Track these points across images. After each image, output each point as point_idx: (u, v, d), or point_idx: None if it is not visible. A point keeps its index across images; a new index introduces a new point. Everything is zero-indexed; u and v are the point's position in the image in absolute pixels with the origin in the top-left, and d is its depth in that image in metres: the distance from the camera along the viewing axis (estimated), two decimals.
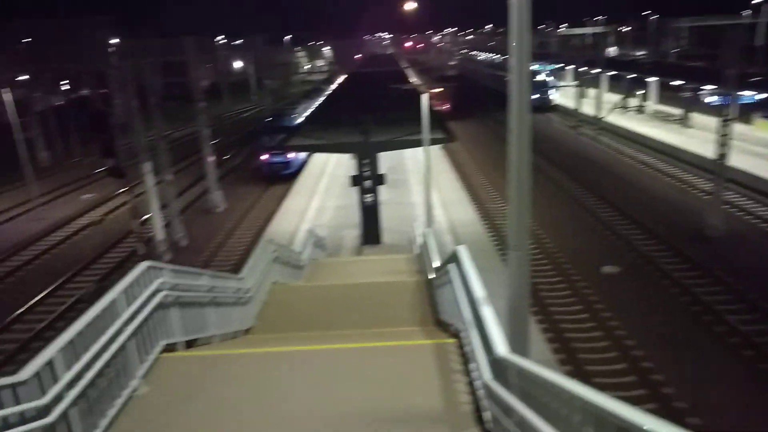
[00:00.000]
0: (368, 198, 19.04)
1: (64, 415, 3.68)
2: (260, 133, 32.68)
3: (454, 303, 5.34)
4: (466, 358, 4.99)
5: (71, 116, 41.33)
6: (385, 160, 22.46)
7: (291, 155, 31.47)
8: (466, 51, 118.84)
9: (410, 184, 27.21)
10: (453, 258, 5.21)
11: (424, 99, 14.90)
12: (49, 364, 3.74)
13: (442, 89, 48.10)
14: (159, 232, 20.60)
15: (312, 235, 17.50)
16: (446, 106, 48.54)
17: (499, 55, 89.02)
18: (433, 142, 21.90)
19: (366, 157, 18.69)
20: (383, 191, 20.16)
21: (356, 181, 19.09)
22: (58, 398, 3.64)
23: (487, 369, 3.44)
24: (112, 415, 4.37)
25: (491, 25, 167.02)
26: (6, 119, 31.55)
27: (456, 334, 5.71)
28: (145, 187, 20.63)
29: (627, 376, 12.25)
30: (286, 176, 31.59)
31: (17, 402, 3.39)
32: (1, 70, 31.86)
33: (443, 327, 7.49)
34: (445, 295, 6.42)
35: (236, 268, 19.74)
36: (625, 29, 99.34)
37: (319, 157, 34.49)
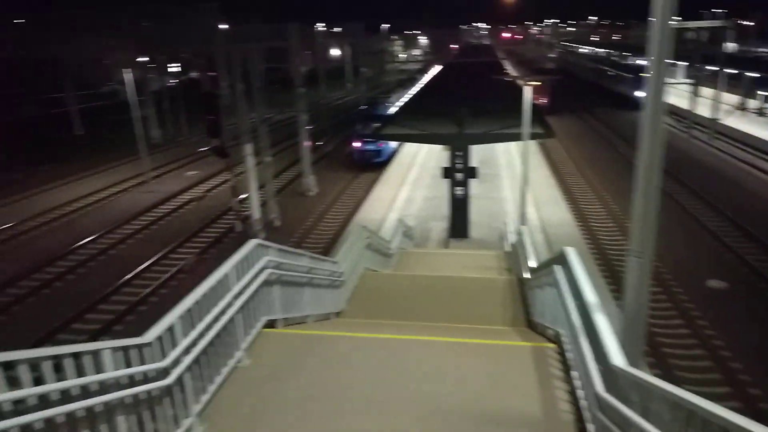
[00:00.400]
0: (459, 191, 18.81)
1: (179, 379, 3.91)
2: (354, 121, 33.17)
3: (559, 306, 5.14)
4: (567, 366, 4.80)
5: (180, 97, 44.05)
6: (477, 153, 22.08)
7: (383, 144, 31.76)
8: (566, 43, 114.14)
9: (501, 179, 26.63)
10: (560, 259, 5.00)
11: (527, 92, 14.43)
12: (170, 329, 3.98)
13: (540, 82, 46.56)
14: (255, 212, 21.52)
15: (402, 225, 17.58)
16: (544, 100, 46.93)
17: (602, 49, 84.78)
18: (532, 137, 21.32)
19: (459, 149, 18.45)
20: (473, 184, 19.86)
21: (448, 173, 18.91)
22: (176, 362, 3.87)
23: (598, 380, 3.27)
24: (219, 382, 4.61)
25: (595, 18, 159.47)
26: (125, 97, 34.38)
27: (555, 339, 5.51)
28: (245, 168, 21.60)
29: (730, 401, 11.34)
30: (376, 164, 31.95)
31: (142, 362, 3.63)
32: (124, 52, 34.43)
33: (537, 329, 7.26)
34: (543, 296, 6.21)
35: (325, 251, 20.27)
36: (747, 23, 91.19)
37: (409, 147, 34.54)
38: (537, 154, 32.77)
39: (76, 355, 3.18)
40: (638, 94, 48.53)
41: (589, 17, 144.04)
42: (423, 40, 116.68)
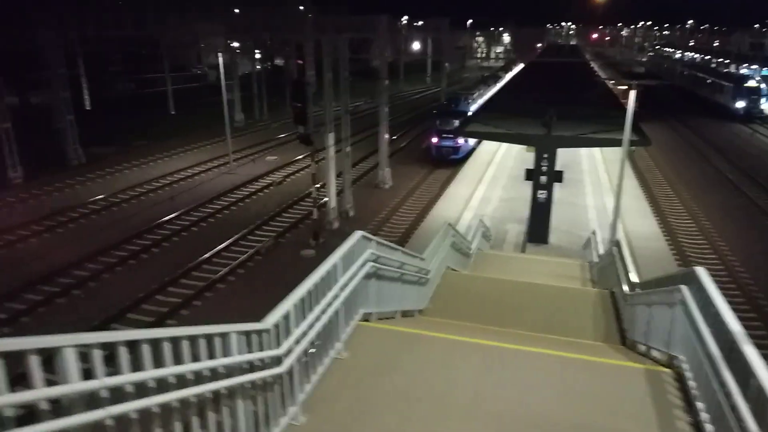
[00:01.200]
0: (542, 194, 18.19)
1: (289, 368, 3.88)
2: (435, 116, 32.87)
3: (680, 330, 4.74)
4: (687, 395, 4.41)
5: (263, 83, 45.28)
6: (560, 156, 21.29)
7: (461, 140, 31.31)
8: (659, 47, 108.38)
9: (584, 185, 25.58)
10: (687, 278, 4.61)
11: (632, 96, 13.67)
12: (286, 317, 3.94)
13: (630, 86, 44.39)
14: (332, 200, 21.74)
15: (482, 225, 17.21)
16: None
17: (699, 55, 79.87)
18: (617, 143, 20.29)
19: (545, 151, 17.82)
20: (555, 189, 19.15)
21: (531, 175, 18.33)
22: (288, 351, 3.84)
23: (749, 417, 2.93)
24: (320, 373, 4.57)
25: (691, 21, 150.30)
26: (212, 80, 35.58)
27: (667, 364, 5.10)
28: (325, 156, 21.83)
29: None
30: (453, 161, 31.56)
31: (260, 348, 3.61)
32: (217, 37, 35.75)
33: (635, 349, 6.81)
34: (652, 316, 5.78)
35: (398, 245, 20.24)
36: None
37: (487, 146, 33.86)
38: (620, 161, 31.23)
39: (207, 337, 3.17)
40: (738, 105, 45.34)
41: (687, 21, 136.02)
42: (506, 38, 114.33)
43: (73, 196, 24.92)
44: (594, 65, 64.90)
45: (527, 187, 25.32)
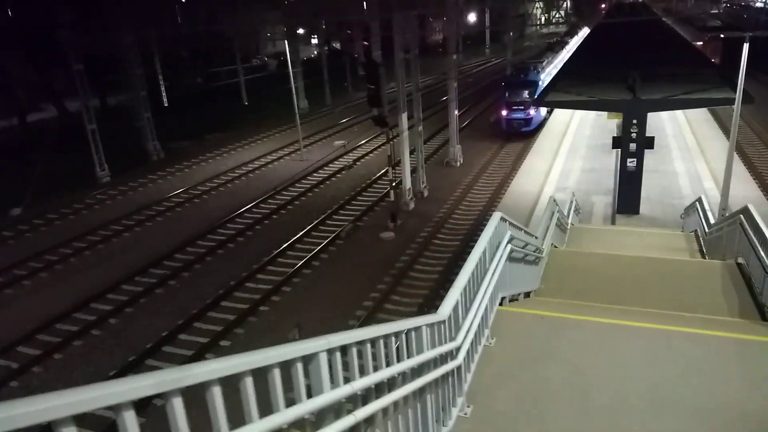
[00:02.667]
0: (631, 163, 17.26)
1: (463, 359, 3.71)
2: (503, 88, 31.89)
3: None
4: None
5: (323, 68, 45.29)
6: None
7: (532, 111, 30.27)
8: None
9: (670, 150, 24.15)
10: None
11: (745, 49, 12.58)
12: (455, 307, 3.77)
13: (710, 42, 41.51)
14: (407, 181, 21.53)
15: (574, 198, 16.54)
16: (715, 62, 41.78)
17: None
18: (717, 103, 18.93)
19: (635, 116, 16.84)
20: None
21: (619, 143, 17.42)
22: (462, 341, 3.67)
23: None
24: (476, 362, 4.40)
25: None
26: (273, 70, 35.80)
27: None
28: (399, 136, 21.52)
29: None
30: (525, 133, 30.61)
31: (439, 340, 3.45)
32: (278, 26, 36.00)
33: None
34: None
35: (476, 224, 19.82)
36: None
37: (559, 116, 32.61)
38: (708, 122, 29.34)
39: (399, 334, 3.03)
40: None
41: None
42: (566, 1, 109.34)
43: (156, 191, 25.95)
44: (668, 21, 61.02)
45: (609, 156, 24.32)
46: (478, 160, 27.71)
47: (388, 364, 2.76)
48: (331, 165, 28.48)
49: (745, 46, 12.60)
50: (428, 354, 3.02)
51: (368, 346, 2.71)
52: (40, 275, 17.72)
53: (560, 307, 5.93)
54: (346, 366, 2.65)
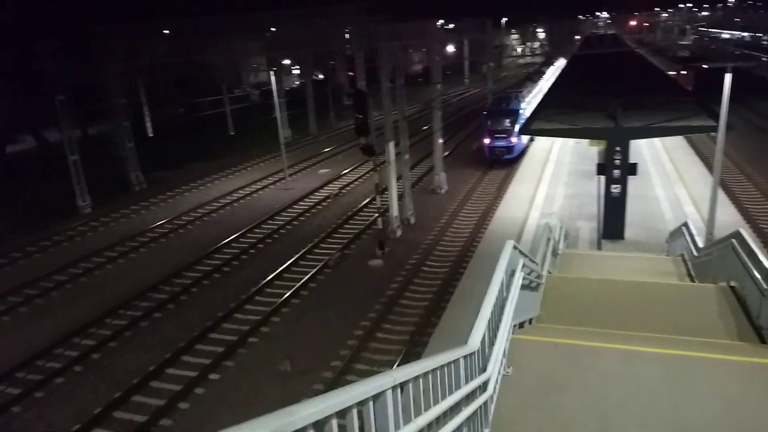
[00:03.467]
0: (615, 189, 17.55)
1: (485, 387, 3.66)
2: (485, 116, 32.41)
3: None
4: None
5: (306, 98, 45.59)
6: None
7: (514, 139, 30.76)
8: (704, 29, 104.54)
9: (650, 176, 24.65)
10: None
11: (727, 79, 12.99)
12: (482, 339, 3.73)
13: (683, 72, 42.99)
14: (394, 208, 21.57)
15: (563, 225, 16.72)
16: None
17: (748, 33, 76.71)
18: (697, 130, 19.48)
19: (618, 143, 17.20)
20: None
21: (603, 169, 17.73)
22: (491, 373, 3.62)
23: None
24: (498, 391, 4.34)
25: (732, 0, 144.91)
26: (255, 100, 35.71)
27: None
28: (385, 165, 21.63)
29: None
30: (507, 161, 31.03)
31: (469, 374, 3.40)
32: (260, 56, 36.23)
33: None
34: None
35: (463, 251, 19.87)
36: None
37: (540, 144, 33.15)
38: (684, 149, 30.10)
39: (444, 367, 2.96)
40: None
41: (728, 1, 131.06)
42: (541, 33, 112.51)
43: (139, 221, 25.58)
44: (641, 52, 63.09)
45: (591, 182, 24.71)
46: (463, 187, 27.94)
47: (435, 400, 2.70)
48: (316, 193, 28.46)
49: (728, 77, 13.02)
50: (470, 386, 2.97)
51: (427, 379, 2.65)
52: (20, 310, 17.23)
53: (571, 334, 5.93)
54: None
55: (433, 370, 2.72)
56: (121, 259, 21.12)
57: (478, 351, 3.55)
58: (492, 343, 3.85)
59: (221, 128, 46.09)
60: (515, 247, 5.50)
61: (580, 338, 5.68)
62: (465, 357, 3.11)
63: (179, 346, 14.45)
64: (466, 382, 3.14)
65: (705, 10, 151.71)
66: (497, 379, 4.22)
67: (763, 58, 49.19)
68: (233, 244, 21.89)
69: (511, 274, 5.23)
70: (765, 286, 7.10)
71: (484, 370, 3.51)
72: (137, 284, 18.35)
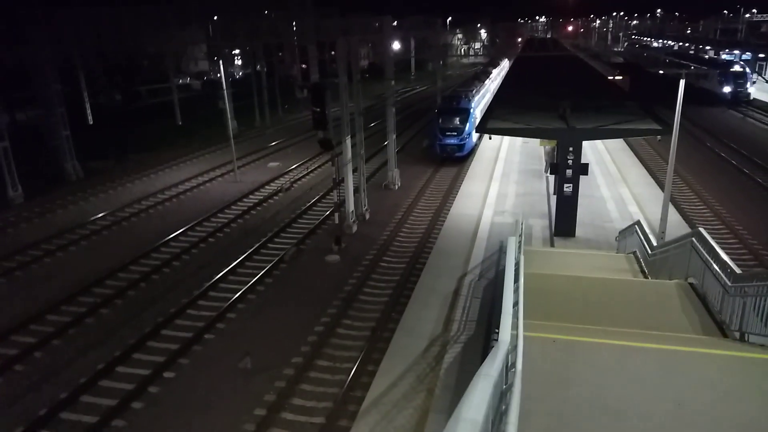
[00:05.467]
0: (567, 188, 18.15)
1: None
2: (436, 114, 32.73)
3: None
4: None
5: (254, 88, 44.49)
6: None
7: (465, 138, 31.26)
8: (637, 37, 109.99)
9: (595, 176, 25.65)
10: None
11: (681, 84, 13.65)
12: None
13: (621, 77, 44.92)
14: (350, 203, 21.43)
15: (522, 221, 17.08)
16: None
17: (675, 42, 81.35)
18: (645, 133, 20.40)
19: (570, 144, 17.78)
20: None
21: (556, 169, 18.29)
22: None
23: None
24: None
25: (659, 11, 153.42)
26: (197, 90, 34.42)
27: None
28: (340, 154, 21.34)
29: None
30: (458, 158, 31.50)
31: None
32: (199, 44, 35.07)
33: (744, 341, 6.72)
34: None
35: (419, 246, 20.02)
36: None
37: (488, 143, 33.84)
38: (625, 151, 31.54)
39: None
40: (725, 89, 46.14)
41: (657, 10, 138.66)
42: (483, 34, 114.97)
43: (78, 213, 24.23)
44: (580, 56, 65.70)
45: (540, 181, 25.49)
46: (416, 184, 28.13)
47: None
48: (267, 186, 27.88)
49: (681, 82, 13.70)
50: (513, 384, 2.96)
51: None
52: None
53: (565, 331, 6.06)
54: None
55: None
56: (60, 252, 19.93)
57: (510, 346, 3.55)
58: (517, 338, 3.87)
59: (165, 118, 44.32)
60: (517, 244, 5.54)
61: (575, 334, 5.83)
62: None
63: (130, 343, 13.79)
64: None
65: (635, 19, 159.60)
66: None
67: (692, 67, 52.27)
68: (181, 238, 21.11)
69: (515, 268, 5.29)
70: (727, 282, 7.51)
71: (513, 365, 3.52)
72: (80, 279, 17.39)
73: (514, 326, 3.91)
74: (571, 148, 17.81)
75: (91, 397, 11.99)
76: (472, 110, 31.90)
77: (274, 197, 26.27)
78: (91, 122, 40.73)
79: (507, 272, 4.55)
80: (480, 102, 35.69)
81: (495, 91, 40.20)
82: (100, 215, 23.41)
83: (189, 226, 22.04)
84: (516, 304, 4.56)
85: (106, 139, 36.47)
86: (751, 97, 46.35)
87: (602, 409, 4.35)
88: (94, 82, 46.26)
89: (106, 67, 47.14)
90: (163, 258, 19.15)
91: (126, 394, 11.90)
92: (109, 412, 11.32)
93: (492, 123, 19.86)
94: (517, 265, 5.37)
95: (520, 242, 9.94)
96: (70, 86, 38.70)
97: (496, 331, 5.55)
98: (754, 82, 47.58)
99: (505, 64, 58.55)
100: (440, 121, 31.64)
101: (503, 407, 3.57)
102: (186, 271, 18.42)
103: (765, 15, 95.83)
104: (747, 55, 57.71)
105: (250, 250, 19.52)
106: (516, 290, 4.84)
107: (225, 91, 28.51)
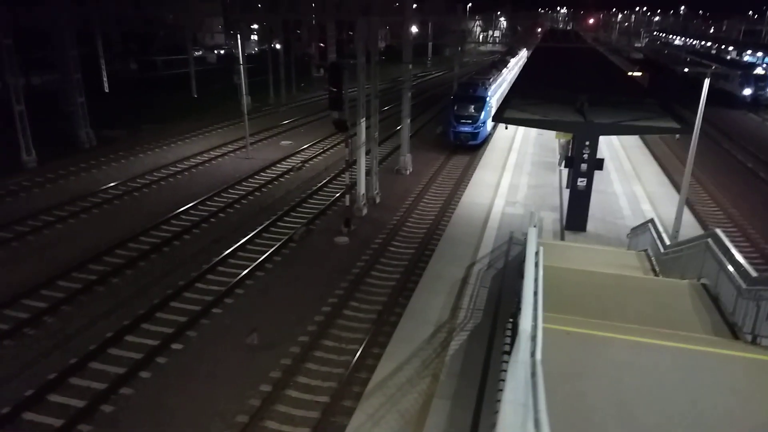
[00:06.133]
0: (581, 182, 18.05)
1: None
2: (451, 101, 32.50)
3: None
4: None
5: (269, 65, 44.25)
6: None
7: (480, 126, 31.06)
8: (658, 33, 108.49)
9: (609, 172, 25.45)
10: None
11: (706, 84, 13.45)
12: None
13: (640, 73, 44.47)
14: (362, 186, 21.39)
15: (537, 215, 17.05)
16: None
17: (698, 41, 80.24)
18: (664, 131, 20.19)
19: (587, 138, 17.64)
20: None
21: (571, 162, 18.18)
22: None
23: None
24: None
25: (683, 8, 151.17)
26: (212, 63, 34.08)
27: None
28: (354, 135, 21.25)
29: None
30: (471, 146, 31.33)
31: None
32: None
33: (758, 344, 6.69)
34: None
35: (429, 232, 20.01)
36: None
37: (503, 132, 33.64)
38: (641, 148, 31.25)
39: None
40: (746, 92, 45.52)
41: (680, 8, 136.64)
42: (503, 22, 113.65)
43: (90, 181, 24.37)
44: (600, 50, 64.90)
45: (553, 174, 25.35)
46: (427, 170, 28.04)
47: None
48: (278, 165, 27.88)
49: (706, 82, 13.50)
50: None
51: None
52: None
53: (579, 324, 6.07)
54: None
55: None
56: (72, 219, 20.08)
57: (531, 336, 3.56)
58: (536, 328, 3.87)
59: (180, 90, 44.28)
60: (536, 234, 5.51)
61: (588, 327, 5.83)
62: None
63: (139, 314, 13.93)
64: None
65: (657, 15, 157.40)
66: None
67: (713, 67, 51.54)
68: (192, 212, 21.20)
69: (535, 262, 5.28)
70: (742, 284, 7.46)
71: (533, 355, 3.52)
72: (91, 247, 17.53)
73: (534, 317, 3.91)
74: (587, 143, 17.68)
75: (99, 363, 12.14)
76: (488, 98, 31.64)
77: (286, 176, 26.26)
78: (107, 90, 40.71)
79: (527, 262, 4.54)
80: (497, 91, 35.38)
81: (512, 81, 39.84)
82: (112, 184, 23.53)
83: (200, 200, 22.11)
84: (536, 294, 4.55)
85: (120, 108, 36.55)
86: None
87: (616, 403, 4.36)
88: (110, 49, 46.21)
89: (123, 34, 47.05)
90: (174, 231, 19.25)
91: (133, 362, 12.05)
92: (117, 380, 11.48)
93: (509, 112, 19.72)
94: (536, 255, 5.36)
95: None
96: (87, 52, 38.64)
97: (510, 320, 5.56)
98: None
99: (523, 54, 57.93)
100: (455, 108, 31.43)
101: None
102: (196, 245, 18.51)
103: None
104: None
105: (259, 228, 19.58)
106: (536, 280, 4.83)
107: (241, 66, 28.26)
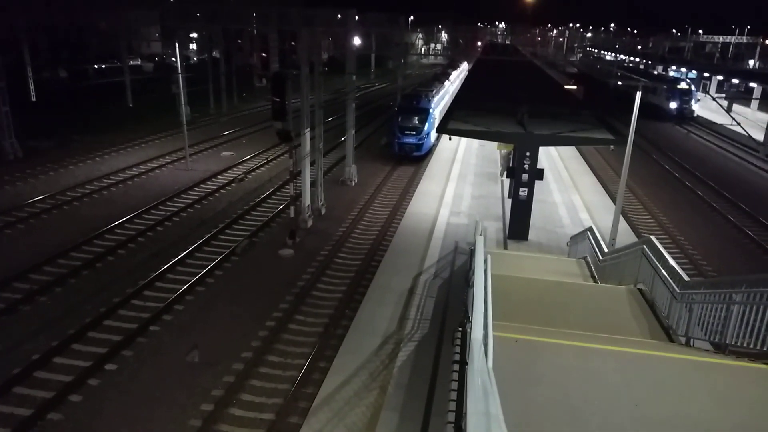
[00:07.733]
0: (523, 192, 18.49)
1: None
2: (395, 113, 32.72)
3: None
4: None
5: (209, 75, 43.28)
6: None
7: (423, 137, 31.38)
8: (591, 48, 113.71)
9: (549, 182, 26.25)
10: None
11: (638, 96, 14.04)
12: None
13: (575, 87, 46.21)
14: (307, 197, 21.12)
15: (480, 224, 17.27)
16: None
17: (626, 56, 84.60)
18: (600, 142, 20.97)
19: (528, 149, 18.11)
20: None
21: (512, 173, 18.59)
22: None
23: None
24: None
25: (612, 25, 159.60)
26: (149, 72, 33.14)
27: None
28: (299, 146, 20.95)
29: None
30: (415, 157, 31.59)
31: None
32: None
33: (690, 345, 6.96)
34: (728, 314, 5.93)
35: (375, 243, 19.94)
36: None
37: (446, 144, 34.14)
38: (577, 158, 32.44)
39: None
40: (672, 105, 48.17)
41: (611, 25, 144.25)
42: (444, 36, 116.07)
43: (14, 194, 22.95)
44: (538, 63, 67.26)
45: (495, 184, 25.90)
46: (373, 181, 28.03)
47: None
48: (219, 176, 27.17)
49: (638, 95, 14.12)
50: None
51: None
52: None
53: (526, 331, 6.11)
54: None
55: None
56: None
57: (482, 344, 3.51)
58: (486, 337, 3.82)
59: (114, 99, 42.57)
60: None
61: (535, 335, 5.87)
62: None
63: (69, 334, 13.11)
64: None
65: (590, 31, 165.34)
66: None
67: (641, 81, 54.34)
68: (128, 225, 20.29)
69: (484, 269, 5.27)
70: (675, 289, 7.76)
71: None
72: (15, 265, 16.42)
73: (485, 325, 3.87)
74: (528, 153, 18.14)
75: (24, 388, 11.32)
76: (431, 110, 32.06)
77: (227, 187, 25.62)
78: (34, 99, 38.61)
79: (477, 271, 4.51)
80: (439, 103, 35.93)
81: (454, 93, 40.59)
82: (39, 197, 22.24)
83: (136, 213, 21.21)
84: (485, 302, 4.53)
85: (49, 118, 34.73)
86: (695, 114, 48.54)
87: (566, 408, 4.38)
88: (37, 57, 43.93)
89: (53, 41, 44.87)
90: (108, 246, 18.33)
91: (63, 386, 11.30)
92: (44, 404, 10.72)
93: (452, 124, 20.01)
94: (485, 263, 5.36)
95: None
96: (12, 59, 36.58)
97: (459, 329, 5.53)
98: (698, 100, 49.85)
99: (464, 67, 59.22)
100: (399, 119, 31.66)
101: None
102: (132, 260, 17.69)
103: (710, 36, 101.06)
104: (693, 74, 60.56)
105: (200, 241, 18.95)
106: (485, 288, 4.81)
107: (179, 75, 27.45)
